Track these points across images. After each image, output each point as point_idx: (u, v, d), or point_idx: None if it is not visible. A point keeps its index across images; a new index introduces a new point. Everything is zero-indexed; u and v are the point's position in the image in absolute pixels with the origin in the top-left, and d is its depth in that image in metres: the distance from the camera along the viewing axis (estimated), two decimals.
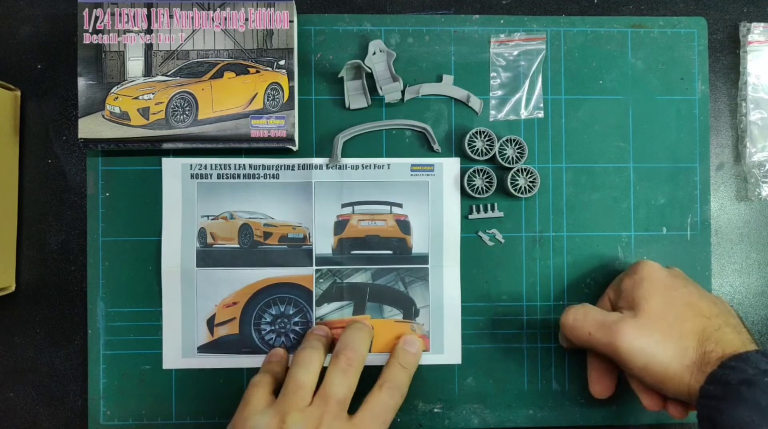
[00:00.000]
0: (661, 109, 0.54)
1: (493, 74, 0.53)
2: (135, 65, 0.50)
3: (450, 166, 0.52)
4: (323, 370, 0.46)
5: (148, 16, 0.50)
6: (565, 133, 0.53)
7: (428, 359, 0.52)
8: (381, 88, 0.51)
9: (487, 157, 0.52)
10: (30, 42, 0.53)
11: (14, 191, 0.52)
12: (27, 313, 0.52)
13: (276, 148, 0.51)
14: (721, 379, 0.38)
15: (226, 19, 0.50)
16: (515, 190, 0.51)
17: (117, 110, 0.49)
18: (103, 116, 0.49)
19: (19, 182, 0.52)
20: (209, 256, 0.51)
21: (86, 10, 0.49)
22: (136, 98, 0.49)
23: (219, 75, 0.50)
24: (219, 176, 0.52)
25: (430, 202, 0.52)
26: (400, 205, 0.52)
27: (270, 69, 0.50)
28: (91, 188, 0.52)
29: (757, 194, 0.54)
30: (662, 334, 0.42)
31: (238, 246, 0.51)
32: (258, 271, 0.51)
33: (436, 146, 0.52)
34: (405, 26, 0.53)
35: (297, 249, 0.52)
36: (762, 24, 0.54)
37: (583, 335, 0.45)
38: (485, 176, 0.52)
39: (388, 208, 0.52)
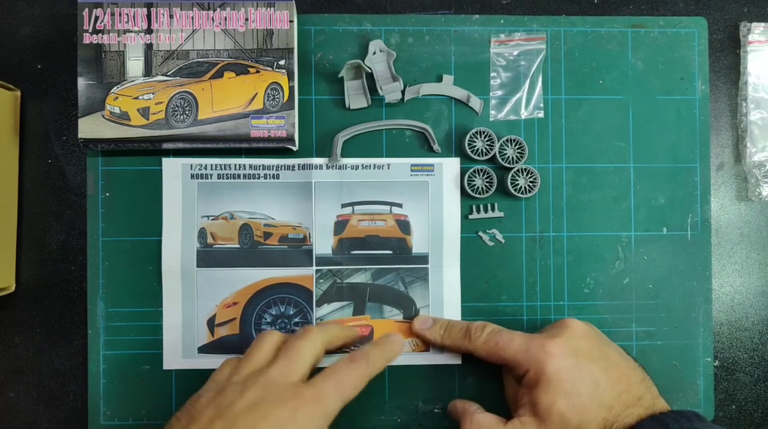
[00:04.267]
0: (661, 109, 0.54)
1: (493, 74, 0.53)
2: (135, 65, 0.50)
3: (450, 166, 0.52)
4: None
5: (148, 16, 0.50)
6: (565, 133, 0.53)
7: (428, 359, 0.52)
8: (381, 88, 0.51)
9: (487, 157, 0.52)
10: (30, 42, 0.53)
11: (14, 191, 0.52)
12: (27, 313, 0.52)
13: (276, 148, 0.51)
14: None
15: (226, 19, 0.50)
16: (515, 190, 0.51)
17: (117, 110, 0.49)
18: (103, 116, 0.49)
19: (19, 182, 0.52)
20: (209, 256, 0.51)
21: (86, 10, 0.49)
22: (136, 98, 0.49)
23: (219, 75, 0.50)
24: (219, 176, 0.52)
25: (430, 202, 0.52)
26: (400, 205, 0.52)
27: (270, 69, 0.50)
28: (91, 188, 0.52)
29: (757, 194, 0.54)
30: None
31: (238, 246, 0.51)
32: (258, 272, 0.51)
33: (435, 146, 0.52)
34: (405, 26, 0.53)
35: (297, 249, 0.52)
36: (762, 24, 0.54)
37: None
38: (485, 176, 0.52)
39: (388, 208, 0.52)
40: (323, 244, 0.52)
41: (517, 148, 0.52)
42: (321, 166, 0.52)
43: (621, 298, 0.53)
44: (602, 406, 0.43)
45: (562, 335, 0.45)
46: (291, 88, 0.50)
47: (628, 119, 0.53)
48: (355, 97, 0.52)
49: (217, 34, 0.50)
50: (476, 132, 0.52)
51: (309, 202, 0.52)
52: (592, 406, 0.42)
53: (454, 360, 0.52)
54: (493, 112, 0.53)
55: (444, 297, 0.52)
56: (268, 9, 0.50)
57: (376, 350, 0.46)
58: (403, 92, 0.52)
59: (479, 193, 0.52)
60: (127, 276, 0.51)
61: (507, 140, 0.52)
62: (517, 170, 0.51)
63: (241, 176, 0.52)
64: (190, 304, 0.51)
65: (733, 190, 0.55)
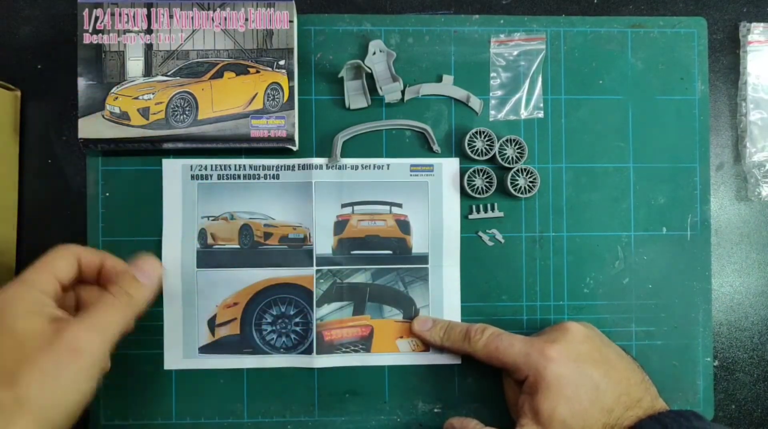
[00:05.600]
0: (661, 109, 0.54)
1: (493, 74, 0.53)
2: (135, 65, 0.50)
3: (449, 166, 0.52)
4: None
5: (148, 16, 0.50)
6: (565, 133, 0.53)
7: (428, 359, 0.52)
8: (381, 88, 0.51)
9: (487, 157, 0.52)
10: (30, 42, 0.53)
11: (14, 191, 0.52)
12: None
13: (276, 148, 0.51)
14: None
15: (226, 19, 0.50)
16: (515, 190, 0.51)
17: (117, 110, 0.49)
18: (103, 116, 0.49)
19: (19, 182, 0.52)
20: (210, 256, 0.51)
21: (86, 10, 0.49)
22: (136, 98, 0.49)
23: (219, 75, 0.50)
24: (219, 177, 0.52)
25: (430, 202, 0.52)
26: (399, 205, 0.52)
27: (270, 69, 0.50)
28: (91, 188, 0.52)
29: (757, 194, 0.54)
30: None
31: (238, 246, 0.51)
32: (258, 272, 0.51)
33: (435, 147, 0.52)
34: (405, 26, 0.53)
35: (297, 249, 0.52)
36: (762, 24, 0.54)
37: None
38: (485, 176, 0.52)
39: (387, 208, 0.52)
40: (323, 244, 0.52)
41: (517, 148, 0.52)
42: (321, 166, 0.52)
43: (621, 298, 0.53)
44: (603, 410, 0.43)
45: (561, 340, 0.45)
46: (291, 88, 0.50)
47: (627, 119, 0.53)
48: (355, 97, 0.52)
49: (217, 34, 0.50)
50: (476, 132, 0.52)
51: (309, 203, 0.52)
52: (592, 411, 0.43)
53: (454, 360, 0.52)
54: (492, 112, 0.53)
55: (444, 297, 0.52)
56: (268, 9, 0.50)
57: (135, 281, 0.42)
58: (402, 92, 0.52)
59: (479, 193, 0.52)
60: None
61: (507, 140, 0.52)
62: (517, 170, 0.51)
63: (241, 177, 0.52)
64: (191, 305, 0.51)
65: (733, 190, 0.55)
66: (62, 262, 0.41)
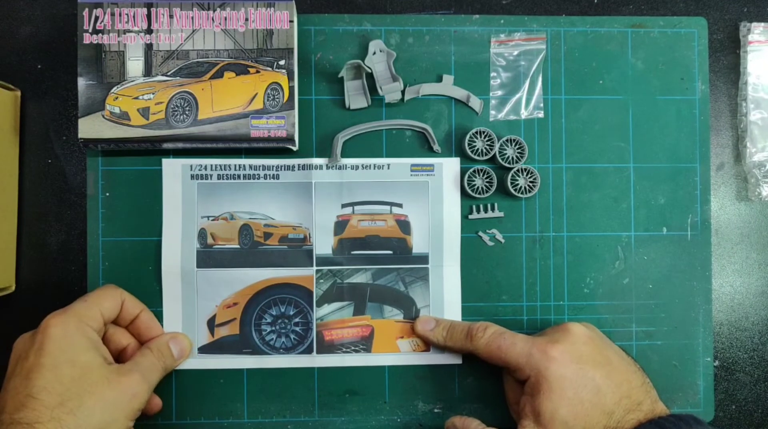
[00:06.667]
0: (661, 109, 0.54)
1: (493, 74, 0.53)
2: (135, 65, 0.50)
3: (450, 166, 0.52)
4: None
5: (148, 16, 0.50)
6: (565, 133, 0.53)
7: (428, 359, 0.52)
8: (381, 88, 0.51)
9: (487, 157, 0.52)
10: (30, 42, 0.53)
11: (14, 191, 0.52)
12: (27, 313, 0.52)
13: (276, 148, 0.51)
14: None
15: (226, 19, 0.50)
16: (515, 190, 0.51)
17: (117, 110, 0.49)
18: (103, 116, 0.49)
19: (19, 182, 0.52)
20: (209, 256, 0.51)
21: (86, 10, 0.49)
22: (136, 98, 0.49)
23: (219, 75, 0.50)
24: (219, 177, 0.52)
25: (430, 202, 0.52)
26: (400, 205, 0.52)
27: (270, 69, 0.50)
28: (91, 188, 0.52)
29: (757, 194, 0.54)
30: None
31: (238, 246, 0.51)
32: (258, 272, 0.51)
33: (435, 147, 0.52)
34: (405, 26, 0.53)
35: (297, 249, 0.52)
36: (762, 24, 0.54)
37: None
38: (485, 176, 0.52)
39: (388, 208, 0.52)
40: (323, 244, 0.52)
41: (517, 148, 0.52)
42: (321, 167, 0.52)
43: (621, 298, 0.53)
44: (604, 412, 0.43)
45: (564, 340, 0.45)
46: (291, 88, 0.50)
47: (628, 119, 0.53)
48: (355, 97, 0.52)
49: (217, 34, 0.50)
50: (476, 132, 0.52)
51: (309, 203, 0.52)
52: (594, 413, 0.43)
53: (455, 360, 0.52)
54: (493, 112, 0.53)
55: (444, 297, 0.52)
56: (268, 9, 0.50)
57: (169, 350, 0.48)
58: (403, 92, 0.52)
59: (479, 193, 0.52)
60: (127, 276, 0.51)
61: (507, 140, 0.52)
62: (517, 170, 0.51)
63: (241, 176, 0.52)
64: (190, 305, 0.51)
65: (733, 190, 0.55)
66: (109, 302, 0.46)
